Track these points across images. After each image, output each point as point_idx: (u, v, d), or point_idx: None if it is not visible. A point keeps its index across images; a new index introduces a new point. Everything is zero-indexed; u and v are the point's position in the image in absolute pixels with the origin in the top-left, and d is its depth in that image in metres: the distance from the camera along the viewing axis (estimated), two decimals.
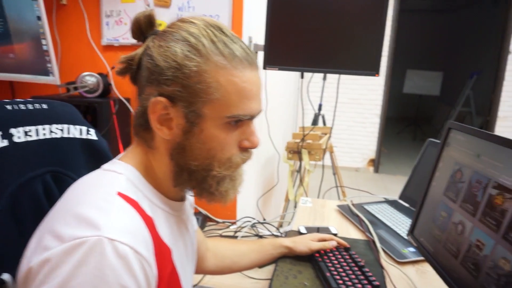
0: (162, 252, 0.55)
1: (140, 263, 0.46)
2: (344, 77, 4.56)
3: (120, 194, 0.51)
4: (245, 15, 1.41)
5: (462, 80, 6.51)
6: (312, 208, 1.34)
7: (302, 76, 1.48)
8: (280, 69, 1.43)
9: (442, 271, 0.77)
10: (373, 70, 1.30)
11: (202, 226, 1.45)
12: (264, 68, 1.48)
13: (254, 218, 1.42)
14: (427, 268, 0.97)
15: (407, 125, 7.50)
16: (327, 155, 2.49)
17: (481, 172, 0.72)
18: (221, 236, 1.37)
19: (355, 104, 4.62)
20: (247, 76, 0.55)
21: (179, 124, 0.55)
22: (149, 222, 0.53)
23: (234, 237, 1.31)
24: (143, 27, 0.58)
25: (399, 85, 6.86)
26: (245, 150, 0.59)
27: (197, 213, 1.48)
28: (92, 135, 0.78)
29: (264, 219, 1.79)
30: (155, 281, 0.51)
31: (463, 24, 7.24)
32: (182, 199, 0.66)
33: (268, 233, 1.29)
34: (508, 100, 4.29)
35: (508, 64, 4.21)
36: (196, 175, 0.58)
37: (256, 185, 1.89)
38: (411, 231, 0.94)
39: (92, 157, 0.76)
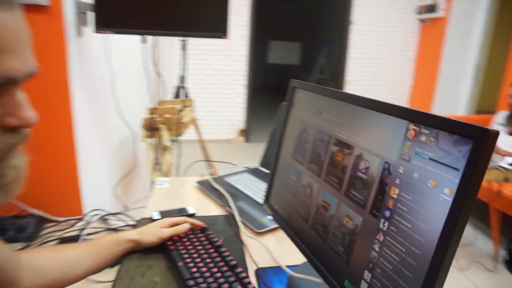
0: None
1: None
2: (209, 48, 4.48)
3: None
4: None
5: (318, 49, 7.14)
6: (170, 189, 1.21)
7: (143, 41, 1.29)
8: (115, 32, 1.21)
9: (295, 237, 0.74)
10: (220, 32, 1.19)
11: (36, 230, 1.17)
12: (97, 31, 1.23)
13: (103, 210, 1.21)
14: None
15: (273, 94, 7.93)
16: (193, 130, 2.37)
17: (323, 129, 0.69)
18: (60, 239, 1.13)
19: (221, 75, 4.58)
20: None
21: None
22: None
23: (77, 238, 1.09)
24: None
25: (264, 56, 7.13)
26: (12, 130, 0.41)
27: (26, 216, 1.19)
28: None
29: (127, 207, 1.58)
30: None
31: None
32: None
33: (124, 224, 1.11)
34: (353, 66, 4.85)
35: (351, 33, 4.71)
36: None
37: (108, 170, 1.65)
38: (266, 200, 0.89)
39: None
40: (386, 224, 0.51)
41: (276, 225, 0.96)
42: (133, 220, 1.18)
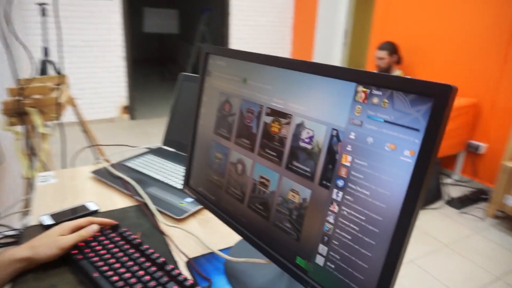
0: None
1: None
2: (71, 14, 3.86)
3: None
4: None
5: (197, 17, 6.86)
6: (59, 184, 1.00)
7: None
8: None
9: (230, 219, 0.67)
10: None
11: None
12: None
13: None
14: (208, 214, 0.88)
15: (153, 66, 7.45)
16: (71, 111, 2.04)
17: (251, 99, 0.62)
18: None
19: (93, 47, 4.05)
20: None
21: None
22: None
23: None
24: None
25: (138, 25, 6.55)
26: None
27: None
28: None
29: None
30: None
31: None
32: None
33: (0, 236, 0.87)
34: (234, 33, 4.82)
35: None
36: None
37: None
38: (186, 183, 0.79)
39: None
40: (340, 194, 0.48)
41: (197, 208, 0.88)
42: (12, 229, 0.95)
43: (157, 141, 1.29)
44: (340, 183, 0.48)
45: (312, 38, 4.73)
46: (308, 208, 0.53)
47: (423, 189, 0.40)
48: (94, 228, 0.72)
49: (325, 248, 0.50)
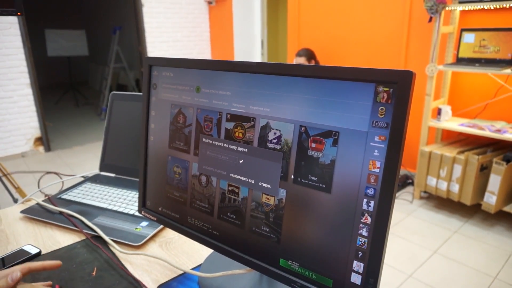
0: None
1: None
2: None
3: None
4: None
5: (107, 36, 6.53)
6: None
7: None
8: None
9: (199, 235, 0.64)
10: (12, 7, 0.89)
11: None
12: None
13: None
14: (169, 235, 0.83)
15: (64, 92, 6.88)
16: None
17: (208, 107, 0.61)
18: None
19: None
20: None
21: None
22: None
23: None
24: None
25: (41, 49, 6.02)
26: None
27: None
28: None
29: None
30: None
31: None
32: None
33: None
34: (152, 50, 4.69)
35: (145, 16, 4.51)
36: None
37: None
38: (142, 205, 0.74)
39: None
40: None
41: (155, 231, 0.82)
42: None
43: (81, 172, 1.19)
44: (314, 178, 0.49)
45: (232, 50, 4.81)
46: (285, 208, 0.53)
47: (396, 173, 0.43)
48: (14, 276, 0.55)
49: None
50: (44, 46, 5.65)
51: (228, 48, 4.87)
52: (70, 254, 0.76)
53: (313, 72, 0.48)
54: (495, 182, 2.26)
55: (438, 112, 2.61)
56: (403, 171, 3.14)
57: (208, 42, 5.18)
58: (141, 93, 1.09)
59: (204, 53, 5.16)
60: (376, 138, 0.44)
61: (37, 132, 3.97)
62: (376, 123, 0.43)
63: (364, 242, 0.46)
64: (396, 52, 3.06)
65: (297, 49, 3.55)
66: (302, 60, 3.33)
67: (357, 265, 0.47)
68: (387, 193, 0.43)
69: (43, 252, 0.77)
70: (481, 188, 2.39)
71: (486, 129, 2.36)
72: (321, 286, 0.50)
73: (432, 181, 2.56)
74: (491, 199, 2.30)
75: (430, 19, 2.50)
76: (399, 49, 3.03)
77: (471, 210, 2.55)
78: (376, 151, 0.44)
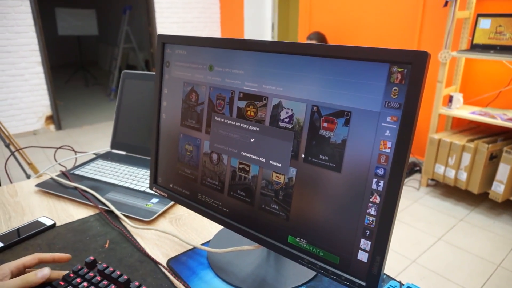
0: None
1: None
2: None
3: None
4: None
5: (117, 16, 6.50)
6: None
7: None
8: None
9: (210, 211, 0.65)
10: None
11: None
12: None
13: None
14: (179, 212, 0.85)
15: (74, 71, 6.91)
16: None
17: (220, 85, 0.61)
18: None
19: (2, 52, 3.63)
20: None
21: None
22: None
23: None
24: None
25: (52, 27, 6.02)
26: None
27: None
28: None
29: None
30: None
31: None
32: None
33: None
34: (162, 31, 4.66)
35: None
36: None
37: None
38: (153, 181, 0.76)
39: None
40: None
41: (165, 207, 0.84)
42: None
43: (91, 150, 1.21)
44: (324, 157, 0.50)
45: (242, 32, 4.77)
46: (295, 186, 0.54)
47: (408, 151, 0.43)
48: (46, 272, 0.55)
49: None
50: (55, 25, 5.65)
51: (238, 30, 4.83)
52: (83, 227, 0.78)
53: (327, 52, 0.48)
54: (504, 171, 2.25)
55: (449, 99, 2.58)
56: (411, 158, 3.13)
57: (218, 24, 5.13)
58: (152, 72, 1.09)
59: (214, 35, 5.12)
60: (388, 119, 0.44)
61: (48, 111, 4.02)
62: (389, 104, 0.44)
63: (372, 221, 0.47)
64: (409, 37, 3.00)
65: (308, 33, 3.50)
66: None
67: (364, 243, 0.48)
68: (397, 173, 0.44)
69: (58, 224, 0.79)
70: (490, 177, 2.37)
71: (498, 117, 2.33)
72: (328, 263, 0.52)
73: (440, 169, 2.55)
74: (499, 188, 2.29)
75: (446, 4, 2.44)
76: (412, 34, 2.98)
77: (478, 199, 2.55)
78: (387, 131, 0.44)
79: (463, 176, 2.42)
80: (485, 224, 2.26)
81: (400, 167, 0.43)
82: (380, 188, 0.45)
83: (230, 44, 0.59)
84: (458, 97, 2.58)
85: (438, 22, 2.79)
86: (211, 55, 0.62)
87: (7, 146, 1.92)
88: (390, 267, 1.89)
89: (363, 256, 0.48)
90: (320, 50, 0.49)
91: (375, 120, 0.45)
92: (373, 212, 0.46)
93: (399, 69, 0.43)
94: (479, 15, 2.41)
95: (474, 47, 2.45)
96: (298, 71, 0.51)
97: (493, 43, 2.37)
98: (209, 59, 0.63)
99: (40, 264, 0.59)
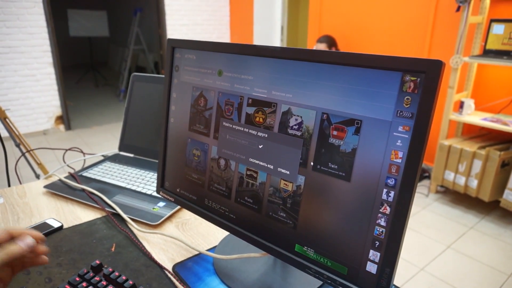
0: None
1: None
2: None
3: None
4: None
5: (128, 18, 6.56)
6: (7, 204, 0.89)
7: None
8: None
9: (216, 217, 0.65)
10: None
11: None
12: None
13: None
14: (185, 216, 0.85)
15: (84, 72, 6.99)
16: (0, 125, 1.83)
17: (229, 91, 0.61)
18: None
19: (15, 53, 3.68)
20: None
21: None
22: None
23: None
24: None
25: (63, 28, 6.09)
26: None
27: None
28: None
29: None
30: None
31: None
32: None
33: None
34: (172, 33, 4.69)
35: None
36: None
37: None
38: (160, 186, 0.75)
39: None
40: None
41: (172, 211, 0.84)
42: None
43: (100, 151, 1.21)
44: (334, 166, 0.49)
45: (251, 35, 4.77)
46: (303, 195, 0.53)
47: (420, 159, 0.42)
48: (29, 241, 0.47)
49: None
50: (66, 26, 5.72)
51: (248, 33, 4.83)
52: (90, 230, 0.78)
53: (338, 59, 0.48)
54: None
55: (460, 105, 2.54)
56: None
57: (228, 26, 5.14)
58: (161, 75, 1.09)
59: (223, 37, 5.14)
60: (400, 128, 0.43)
61: (58, 111, 4.06)
62: (401, 113, 0.43)
63: (382, 232, 0.46)
64: (420, 42, 2.97)
65: (317, 36, 3.49)
66: (322, 47, 3.27)
67: (373, 254, 0.47)
68: (408, 184, 0.43)
69: (65, 226, 0.79)
70: (501, 184, 2.33)
71: (510, 124, 2.29)
72: (335, 273, 0.51)
73: (449, 176, 2.52)
74: (510, 197, 2.25)
75: (458, 8, 2.41)
76: (423, 39, 2.95)
77: (488, 207, 2.50)
78: (399, 141, 0.43)
79: (474, 183, 2.38)
80: (496, 233, 2.22)
81: (412, 177, 0.42)
82: (390, 199, 0.44)
83: (240, 49, 0.59)
84: (470, 103, 2.54)
85: (450, 27, 2.76)
86: (221, 60, 0.62)
87: (18, 145, 1.94)
88: (398, 273, 1.86)
89: (372, 268, 0.47)
90: (331, 57, 0.48)
91: (386, 129, 0.44)
92: (382, 223, 0.45)
93: (412, 78, 0.42)
94: (492, 20, 2.38)
95: (487, 53, 2.42)
96: (308, 78, 0.51)
97: (506, 48, 2.33)
98: (218, 64, 0.62)
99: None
